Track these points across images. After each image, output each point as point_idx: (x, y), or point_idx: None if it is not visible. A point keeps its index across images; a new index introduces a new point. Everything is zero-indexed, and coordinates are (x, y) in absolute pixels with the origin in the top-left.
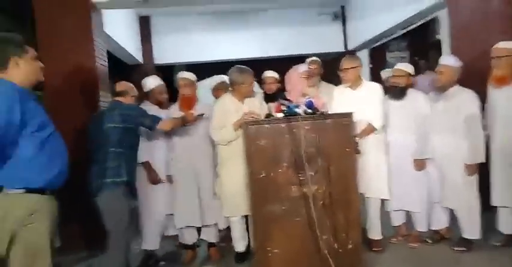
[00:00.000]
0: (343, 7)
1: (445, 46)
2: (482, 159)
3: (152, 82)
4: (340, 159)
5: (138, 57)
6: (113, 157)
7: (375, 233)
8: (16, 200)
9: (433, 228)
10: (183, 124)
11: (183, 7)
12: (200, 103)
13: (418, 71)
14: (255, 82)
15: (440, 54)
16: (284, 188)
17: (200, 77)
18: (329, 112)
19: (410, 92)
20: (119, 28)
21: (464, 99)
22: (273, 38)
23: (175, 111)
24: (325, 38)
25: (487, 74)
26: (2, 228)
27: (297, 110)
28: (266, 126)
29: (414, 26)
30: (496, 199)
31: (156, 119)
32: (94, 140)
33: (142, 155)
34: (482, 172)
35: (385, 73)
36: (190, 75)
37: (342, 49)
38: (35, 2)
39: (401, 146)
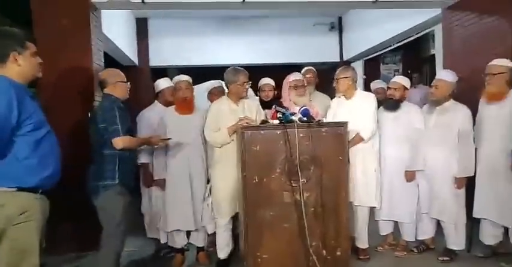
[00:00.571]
0: (340, 18)
1: (439, 61)
2: (471, 173)
3: (163, 83)
4: (333, 167)
5: (134, 58)
6: (108, 159)
7: (362, 241)
8: (7, 199)
9: (420, 238)
10: (143, 144)
11: (180, 10)
12: (196, 106)
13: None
14: (250, 89)
15: (433, 69)
16: (276, 194)
17: (194, 81)
18: (324, 121)
19: (405, 105)
20: (115, 29)
21: (458, 114)
22: (270, 46)
23: (172, 113)
24: (321, 48)
25: (480, 90)
26: None
27: (292, 117)
28: (261, 132)
29: (409, 39)
30: (479, 211)
31: (116, 133)
32: (92, 140)
33: (143, 156)
34: (468, 184)
35: (374, 85)
36: (189, 78)
37: (337, 59)
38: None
39: (394, 157)
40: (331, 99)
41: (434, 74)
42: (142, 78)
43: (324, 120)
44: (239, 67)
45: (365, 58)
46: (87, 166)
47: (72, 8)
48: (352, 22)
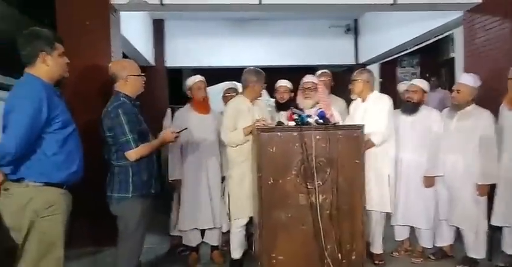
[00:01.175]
0: (356, 20)
1: (459, 65)
2: (494, 180)
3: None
4: (349, 170)
5: (150, 59)
6: (120, 170)
7: (376, 246)
8: (36, 193)
9: (437, 245)
10: (160, 146)
11: (197, 12)
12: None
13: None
14: (265, 90)
15: (452, 73)
16: (292, 195)
17: (209, 83)
18: (340, 124)
19: (424, 109)
20: (133, 30)
21: (480, 119)
22: (285, 48)
23: (189, 112)
24: (336, 50)
25: (500, 95)
26: (21, 217)
27: (309, 120)
28: (278, 133)
29: (427, 42)
30: (498, 218)
31: (127, 145)
32: (103, 147)
33: (175, 172)
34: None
35: (401, 87)
36: (202, 78)
37: (353, 62)
38: (58, 2)
39: (412, 162)
40: (347, 102)
41: (453, 78)
42: (158, 78)
43: (340, 123)
44: (259, 69)
45: (381, 61)
46: (105, 166)
47: (93, 10)
48: (368, 24)
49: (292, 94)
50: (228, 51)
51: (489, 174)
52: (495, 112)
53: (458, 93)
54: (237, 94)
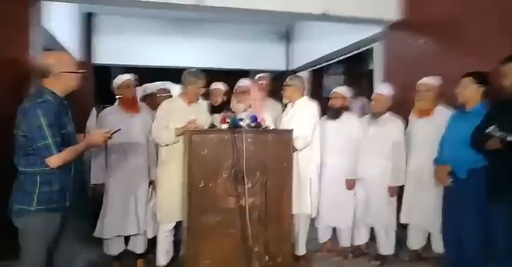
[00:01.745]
0: (289, 28)
1: (377, 76)
2: (403, 182)
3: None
4: (277, 173)
5: (76, 55)
6: (26, 178)
7: (300, 248)
8: None
9: (355, 244)
10: (87, 149)
11: (130, 8)
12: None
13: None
14: None
15: (371, 83)
16: (222, 199)
17: (140, 82)
18: (270, 128)
19: (346, 114)
20: (58, 22)
21: (393, 126)
22: (221, 50)
23: (115, 113)
24: (269, 56)
25: (413, 105)
26: None
27: (241, 123)
28: (210, 136)
29: (351, 54)
30: (405, 217)
31: (47, 150)
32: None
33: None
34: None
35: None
36: (131, 76)
37: (284, 68)
38: None
39: (334, 165)
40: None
41: (372, 88)
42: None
43: (271, 127)
44: (199, 71)
45: (310, 69)
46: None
47: None
48: (299, 33)
49: (225, 97)
50: (161, 51)
51: (398, 176)
52: (406, 120)
53: (376, 101)
54: (168, 94)
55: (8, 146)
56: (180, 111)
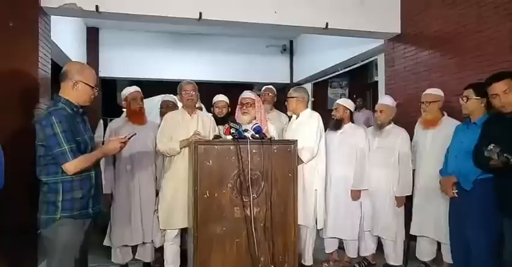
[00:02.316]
0: (291, 41)
1: (382, 88)
2: (409, 192)
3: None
4: (282, 184)
5: None
6: (49, 188)
7: (307, 258)
8: None
9: (362, 255)
10: (103, 157)
11: (134, 22)
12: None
13: (355, 109)
14: (203, 105)
15: (376, 95)
16: (227, 209)
17: (144, 95)
18: (275, 138)
19: (350, 126)
20: (65, 36)
21: (398, 137)
22: (224, 64)
23: (123, 124)
24: (273, 69)
25: (415, 115)
26: None
27: (245, 134)
28: (215, 146)
29: (355, 66)
30: (416, 229)
31: (63, 157)
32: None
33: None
34: (407, 204)
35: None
36: (138, 89)
37: (287, 81)
38: None
39: (339, 176)
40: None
41: (377, 100)
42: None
43: (276, 138)
44: (186, 82)
45: (313, 82)
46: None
47: (19, 10)
48: (302, 46)
49: (229, 109)
50: (165, 64)
51: (405, 187)
52: (410, 131)
53: (380, 112)
54: (174, 106)
55: (17, 157)
56: (183, 122)
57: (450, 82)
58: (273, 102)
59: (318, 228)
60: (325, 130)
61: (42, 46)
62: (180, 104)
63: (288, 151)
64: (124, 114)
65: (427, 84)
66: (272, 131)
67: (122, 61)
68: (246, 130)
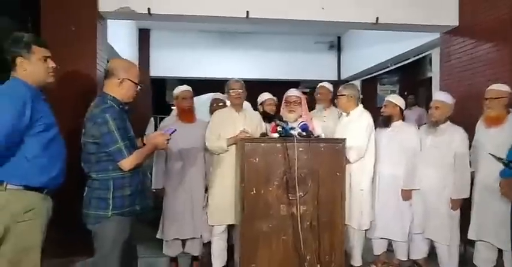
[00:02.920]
0: (339, 37)
1: (436, 84)
2: (467, 195)
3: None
4: (330, 182)
5: None
6: (100, 185)
7: (356, 259)
8: (14, 196)
9: (413, 258)
10: (153, 152)
11: (183, 23)
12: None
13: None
14: (249, 104)
15: (430, 91)
16: (273, 206)
17: (195, 93)
18: (322, 136)
19: (401, 124)
20: (119, 38)
21: (455, 136)
22: (270, 61)
23: (173, 123)
24: (320, 66)
25: (473, 114)
26: None
27: (292, 132)
28: (261, 144)
29: (406, 62)
30: (473, 233)
31: (119, 154)
32: (82, 155)
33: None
34: (464, 207)
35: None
36: (189, 88)
37: (335, 78)
38: (43, 6)
39: (389, 175)
40: None
41: (431, 97)
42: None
43: (323, 136)
44: (233, 80)
45: (362, 78)
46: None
47: (80, 16)
48: (351, 42)
49: (274, 107)
50: (213, 63)
51: (462, 189)
52: (468, 130)
53: (436, 109)
54: (224, 104)
55: (79, 156)
56: (230, 119)
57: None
58: (330, 99)
59: (364, 228)
60: (375, 129)
61: (99, 49)
62: (228, 102)
63: (335, 149)
64: (174, 112)
65: (486, 80)
66: (319, 129)
67: (172, 60)
68: (292, 128)
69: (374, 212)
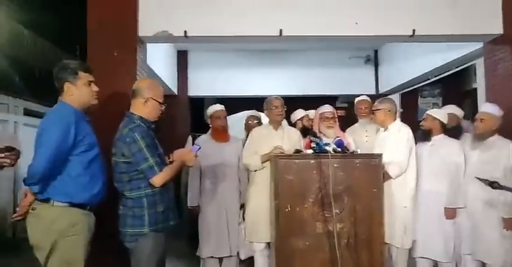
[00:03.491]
0: (376, 51)
1: (481, 95)
2: None
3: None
4: (367, 199)
5: (173, 88)
6: (134, 203)
7: None
8: (61, 213)
9: None
10: (181, 168)
11: (219, 44)
12: (231, 135)
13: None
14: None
15: (475, 103)
16: (309, 223)
17: (230, 111)
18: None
19: (443, 138)
20: (158, 60)
21: (504, 150)
22: (306, 78)
23: (208, 141)
24: (357, 80)
25: None
26: (46, 236)
27: (326, 148)
28: (295, 161)
29: (449, 72)
30: None
31: (150, 171)
32: (113, 175)
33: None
34: None
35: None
36: (222, 107)
37: (373, 92)
38: (90, 34)
39: (430, 192)
40: None
41: (476, 109)
42: (181, 106)
43: (358, 151)
44: (273, 97)
45: (402, 92)
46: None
47: (121, 41)
48: (388, 55)
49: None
50: (248, 81)
51: None
52: None
53: (481, 122)
54: (259, 122)
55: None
56: (268, 137)
57: None
58: (369, 113)
59: (407, 247)
60: (415, 143)
61: (139, 71)
62: (264, 119)
63: (372, 165)
64: (210, 131)
65: None
66: (353, 145)
67: (209, 80)
68: (327, 144)
69: (415, 230)
